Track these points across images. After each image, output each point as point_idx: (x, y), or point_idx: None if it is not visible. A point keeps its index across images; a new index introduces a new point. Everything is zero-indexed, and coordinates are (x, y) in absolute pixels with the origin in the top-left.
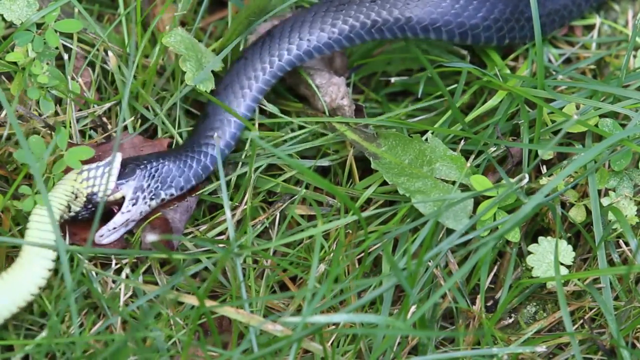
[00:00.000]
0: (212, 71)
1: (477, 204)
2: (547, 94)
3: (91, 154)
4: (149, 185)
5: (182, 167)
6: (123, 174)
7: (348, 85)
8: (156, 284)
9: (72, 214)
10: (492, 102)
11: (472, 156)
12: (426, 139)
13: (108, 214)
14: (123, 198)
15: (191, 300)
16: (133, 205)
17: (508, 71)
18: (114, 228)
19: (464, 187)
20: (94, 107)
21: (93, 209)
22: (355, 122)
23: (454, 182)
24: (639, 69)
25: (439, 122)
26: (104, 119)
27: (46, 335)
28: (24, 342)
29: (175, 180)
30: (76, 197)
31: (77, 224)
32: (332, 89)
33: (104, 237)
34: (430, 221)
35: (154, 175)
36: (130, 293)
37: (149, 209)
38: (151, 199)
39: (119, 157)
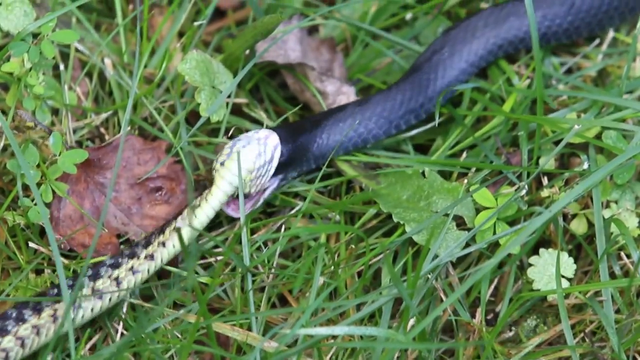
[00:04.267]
0: None
1: (477, 211)
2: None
3: (85, 156)
4: None
5: None
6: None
7: None
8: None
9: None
10: (493, 123)
11: (473, 170)
12: (424, 174)
13: None
14: None
15: (189, 317)
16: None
17: (515, 77)
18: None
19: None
20: (91, 117)
21: None
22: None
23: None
24: None
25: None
26: (102, 130)
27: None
28: None
29: None
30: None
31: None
32: (341, 98)
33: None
34: (423, 249)
35: None
36: (125, 308)
37: None
38: None
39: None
